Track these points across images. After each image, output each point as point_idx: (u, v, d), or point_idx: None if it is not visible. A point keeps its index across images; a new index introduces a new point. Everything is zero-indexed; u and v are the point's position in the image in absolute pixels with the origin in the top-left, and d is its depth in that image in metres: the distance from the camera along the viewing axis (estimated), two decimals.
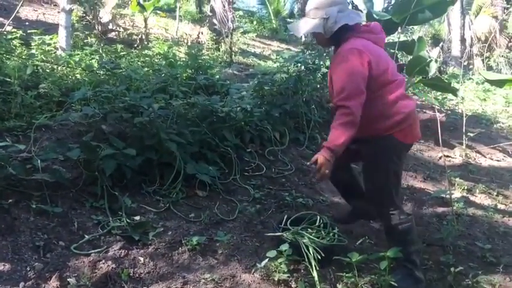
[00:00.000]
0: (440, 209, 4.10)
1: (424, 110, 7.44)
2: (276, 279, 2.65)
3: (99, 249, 2.68)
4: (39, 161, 2.95)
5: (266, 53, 11.47)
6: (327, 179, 2.78)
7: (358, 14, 2.90)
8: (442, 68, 11.77)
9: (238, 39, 10.62)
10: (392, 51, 5.58)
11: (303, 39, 11.66)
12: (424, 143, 6.01)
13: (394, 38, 6.77)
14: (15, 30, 5.63)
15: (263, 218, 3.43)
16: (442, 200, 4.25)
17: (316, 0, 2.84)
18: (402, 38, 6.12)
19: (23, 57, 4.65)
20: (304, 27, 2.88)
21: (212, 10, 9.69)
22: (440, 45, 15.07)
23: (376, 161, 2.81)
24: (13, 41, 5.12)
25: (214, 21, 9.55)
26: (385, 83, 2.73)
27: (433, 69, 5.98)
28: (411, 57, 5.88)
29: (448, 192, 3.84)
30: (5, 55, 4.40)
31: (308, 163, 3.09)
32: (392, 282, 2.60)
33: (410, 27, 12.67)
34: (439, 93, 7.97)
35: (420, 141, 6.02)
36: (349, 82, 2.61)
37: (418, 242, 2.96)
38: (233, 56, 9.05)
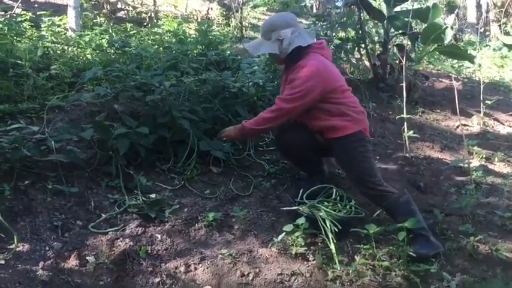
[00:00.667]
0: (458, 179, 4.05)
1: (440, 79, 7.32)
2: (293, 252, 2.65)
3: (116, 228, 2.70)
4: (53, 142, 2.96)
5: None
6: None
7: (310, 34, 3.27)
8: (457, 36, 11.54)
9: (249, 14, 10.48)
10: (406, 19, 5.46)
11: (314, 11, 11.47)
12: (440, 112, 5.91)
13: (407, 5, 6.63)
14: (24, 12, 5.61)
15: (279, 192, 3.41)
16: (460, 170, 4.18)
17: (271, 22, 3.19)
18: (416, 5, 5.96)
19: (34, 39, 4.63)
20: (260, 48, 3.20)
21: None
22: (456, 12, 14.67)
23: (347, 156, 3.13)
24: (23, 24, 5.10)
25: None
26: (339, 91, 3.10)
27: (448, 36, 5.84)
28: (426, 25, 5.76)
29: (466, 161, 3.78)
30: (15, 38, 4.39)
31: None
32: (411, 253, 2.59)
33: None
34: (455, 61, 7.81)
35: (437, 111, 5.93)
36: (299, 90, 2.99)
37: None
38: (244, 30, 8.93)
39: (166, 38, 6.19)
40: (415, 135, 4.50)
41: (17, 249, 2.34)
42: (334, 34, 6.18)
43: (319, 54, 3.12)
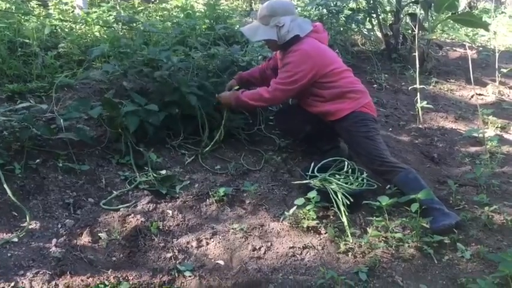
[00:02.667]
0: (473, 149, 3.99)
1: (454, 48, 7.17)
2: (305, 226, 2.64)
3: (127, 204, 2.71)
4: (62, 121, 2.95)
5: None
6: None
7: (308, 23, 3.21)
8: (472, 3, 11.24)
9: None
10: None
11: None
12: (454, 82, 5.80)
13: None
14: None
15: (290, 166, 3.39)
16: (474, 139, 4.12)
17: (271, 7, 3.11)
18: None
19: (41, 18, 4.60)
20: (258, 33, 3.16)
21: None
22: None
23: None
24: (30, 3, 5.07)
25: None
26: (333, 74, 3.12)
27: (462, 4, 5.71)
28: None
29: (481, 131, 3.71)
30: (23, 17, 4.36)
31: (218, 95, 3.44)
32: (424, 224, 2.56)
33: None
34: (469, 29, 7.63)
35: (451, 81, 5.82)
36: (293, 73, 3.04)
37: None
38: (253, 4, 8.80)
39: (174, 13, 6.11)
40: (428, 105, 4.43)
41: (30, 227, 2.36)
42: (344, 5, 6.05)
43: (312, 38, 3.16)
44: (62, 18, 4.90)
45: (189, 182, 3.02)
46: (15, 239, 2.26)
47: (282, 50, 3.23)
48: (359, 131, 3.08)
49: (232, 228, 2.60)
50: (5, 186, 2.43)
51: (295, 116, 3.39)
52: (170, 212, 2.68)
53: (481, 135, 3.78)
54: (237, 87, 3.45)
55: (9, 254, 2.16)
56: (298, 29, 3.09)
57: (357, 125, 3.09)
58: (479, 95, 5.41)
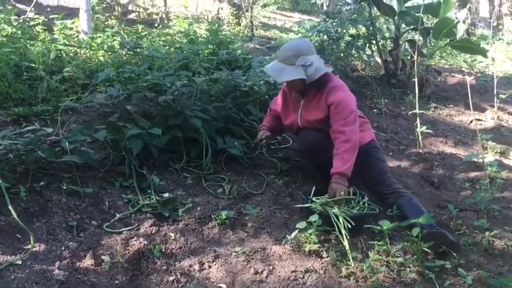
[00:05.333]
0: (472, 174, 4.01)
1: (453, 74, 7.26)
2: (306, 250, 2.65)
3: (130, 227, 2.72)
4: (67, 144, 2.99)
5: (287, 25, 11.30)
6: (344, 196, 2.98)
7: (325, 63, 3.26)
8: (470, 30, 11.42)
9: (259, 13, 10.48)
10: (417, 14, 5.43)
11: (324, 8, 11.43)
12: (453, 107, 5.87)
13: (418, 1, 6.58)
14: (37, 16, 5.67)
15: (291, 190, 3.41)
16: (474, 164, 4.15)
17: (295, 47, 3.15)
18: (427, 0, 5.92)
19: (46, 42, 4.68)
20: (285, 74, 3.12)
21: None
22: (468, 6, 14.53)
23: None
24: (36, 27, 5.16)
25: None
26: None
27: (460, 31, 5.80)
28: (437, 19, 5.71)
29: (480, 156, 3.74)
30: (28, 41, 4.44)
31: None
32: (425, 248, 2.57)
33: None
34: (467, 55, 7.73)
35: (450, 106, 5.89)
36: (351, 110, 3.06)
37: None
38: (254, 29, 8.95)
39: (177, 38, 6.22)
40: (428, 130, 4.47)
41: (34, 249, 2.37)
42: (344, 31, 6.16)
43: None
44: (67, 43, 4.98)
45: (191, 205, 3.03)
46: (19, 262, 2.27)
47: (306, 91, 3.24)
48: (375, 156, 3.26)
49: (235, 252, 2.61)
50: (10, 208, 2.45)
51: (329, 148, 3.14)
52: (173, 235, 2.70)
53: (480, 160, 3.81)
54: (268, 133, 3.52)
55: (12, 277, 2.17)
56: (323, 67, 3.14)
57: (373, 150, 3.28)
58: (478, 120, 5.46)
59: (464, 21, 5.97)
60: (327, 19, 6.48)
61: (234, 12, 9.43)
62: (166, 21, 8.46)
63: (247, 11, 9.13)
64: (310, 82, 3.11)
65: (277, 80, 3.33)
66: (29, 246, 2.37)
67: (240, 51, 5.45)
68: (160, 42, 6.01)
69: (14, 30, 4.63)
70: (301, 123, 3.32)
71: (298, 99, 3.34)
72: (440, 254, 2.66)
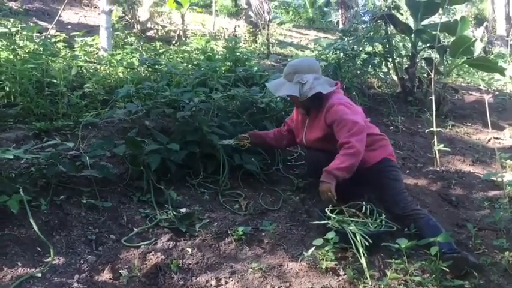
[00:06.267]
0: (491, 193, 3.97)
1: (470, 92, 7.22)
2: (323, 267, 2.64)
3: (148, 242, 2.74)
4: (87, 158, 3.04)
5: (303, 42, 11.37)
6: (334, 199, 2.98)
7: (331, 83, 3.32)
8: (487, 48, 11.35)
9: (275, 31, 10.58)
10: (434, 32, 5.44)
11: (340, 26, 11.49)
12: (471, 125, 5.83)
13: (435, 19, 6.59)
14: (58, 33, 5.81)
15: (307, 207, 3.41)
16: (493, 183, 4.10)
17: (295, 65, 3.28)
18: (444, 19, 5.93)
19: (67, 59, 4.78)
20: (282, 89, 3.25)
21: (248, 3, 9.66)
22: (485, 24, 14.48)
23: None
24: (57, 44, 5.28)
25: (250, 13, 9.52)
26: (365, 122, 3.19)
27: (478, 49, 5.79)
28: (454, 38, 5.71)
29: (499, 174, 3.71)
30: (50, 58, 4.54)
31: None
32: (444, 268, 2.55)
33: (452, 7, 12.29)
34: (485, 73, 7.70)
35: (467, 124, 5.85)
36: (353, 121, 3.00)
37: None
38: (270, 47, 9.01)
39: (194, 55, 6.30)
40: (445, 148, 4.44)
41: (53, 262, 2.40)
42: (361, 49, 6.18)
43: (339, 93, 3.30)
44: (88, 59, 5.08)
45: (208, 220, 3.05)
46: (39, 274, 2.30)
47: (309, 111, 3.32)
48: (389, 177, 3.19)
49: (251, 268, 2.61)
50: (32, 221, 2.48)
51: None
52: (190, 250, 2.71)
53: (499, 179, 3.77)
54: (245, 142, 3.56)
55: None
56: (321, 87, 3.16)
57: (386, 169, 3.21)
58: (497, 138, 5.42)
59: (481, 40, 5.96)
60: (343, 37, 6.52)
61: (251, 29, 9.52)
62: (184, 39, 8.57)
63: (263, 28, 9.21)
64: (304, 100, 3.18)
65: (274, 93, 3.41)
66: (49, 259, 2.40)
67: (256, 68, 5.50)
68: (178, 59, 6.09)
69: (36, 47, 4.74)
70: (306, 142, 3.38)
71: (304, 118, 3.40)
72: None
